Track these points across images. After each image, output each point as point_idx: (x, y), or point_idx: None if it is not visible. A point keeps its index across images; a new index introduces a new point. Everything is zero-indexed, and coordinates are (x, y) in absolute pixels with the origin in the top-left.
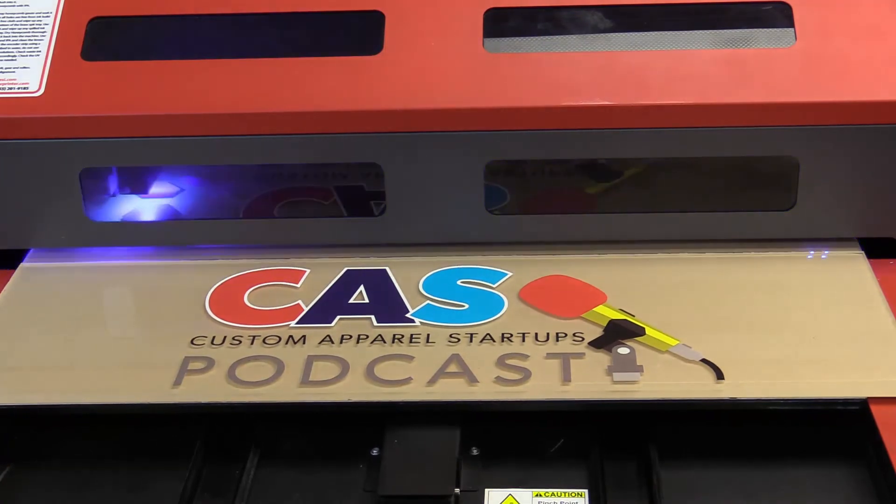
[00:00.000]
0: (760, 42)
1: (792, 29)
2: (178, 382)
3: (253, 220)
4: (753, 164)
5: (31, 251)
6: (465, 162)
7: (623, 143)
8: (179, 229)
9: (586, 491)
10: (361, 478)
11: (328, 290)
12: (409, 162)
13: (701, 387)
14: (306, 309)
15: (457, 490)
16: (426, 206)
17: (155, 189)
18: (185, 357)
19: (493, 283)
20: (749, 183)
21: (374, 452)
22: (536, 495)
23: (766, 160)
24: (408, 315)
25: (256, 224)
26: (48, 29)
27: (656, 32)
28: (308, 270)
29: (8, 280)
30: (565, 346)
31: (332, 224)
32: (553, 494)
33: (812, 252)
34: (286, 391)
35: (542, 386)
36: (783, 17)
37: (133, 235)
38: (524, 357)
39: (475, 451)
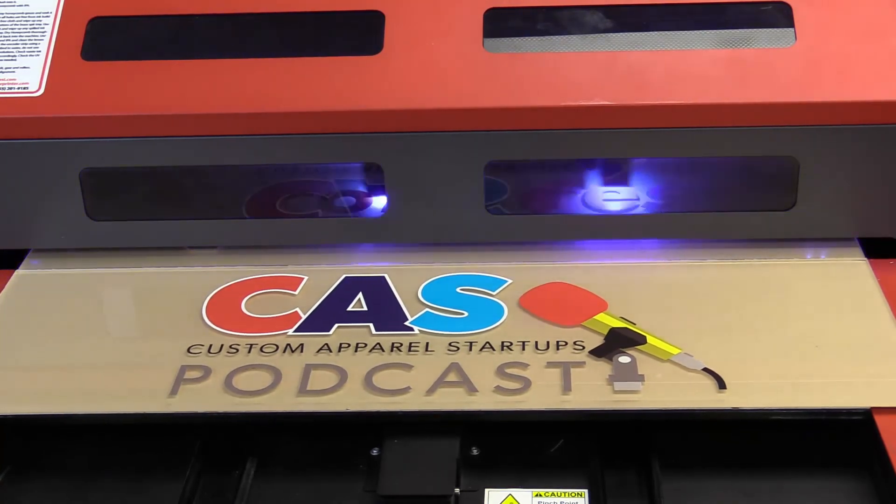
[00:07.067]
0: (760, 42)
1: (792, 29)
2: (174, 392)
3: (253, 220)
4: (753, 164)
5: (30, 253)
6: (465, 162)
7: (623, 143)
8: (179, 229)
9: (586, 491)
10: (361, 478)
11: (326, 298)
12: (409, 162)
13: (703, 397)
14: (304, 317)
15: (457, 490)
16: (426, 206)
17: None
18: (182, 366)
19: (493, 291)
20: (749, 183)
21: (375, 452)
22: (536, 495)
23: (766, 160)
24: (407, 323)
25: (257, 224)
26: (48, 29)
27: (656, 32)
28: (306, 277)
29: (5, 282)
30: (566, 354)
31: (333, 224)
32: (553, 494)
33: (812, 255)
34: (284, 401)
35: (543, 395)
36: (783, 17)
37: (132, 236)
38: (524, 366)
39: (475, 451)
